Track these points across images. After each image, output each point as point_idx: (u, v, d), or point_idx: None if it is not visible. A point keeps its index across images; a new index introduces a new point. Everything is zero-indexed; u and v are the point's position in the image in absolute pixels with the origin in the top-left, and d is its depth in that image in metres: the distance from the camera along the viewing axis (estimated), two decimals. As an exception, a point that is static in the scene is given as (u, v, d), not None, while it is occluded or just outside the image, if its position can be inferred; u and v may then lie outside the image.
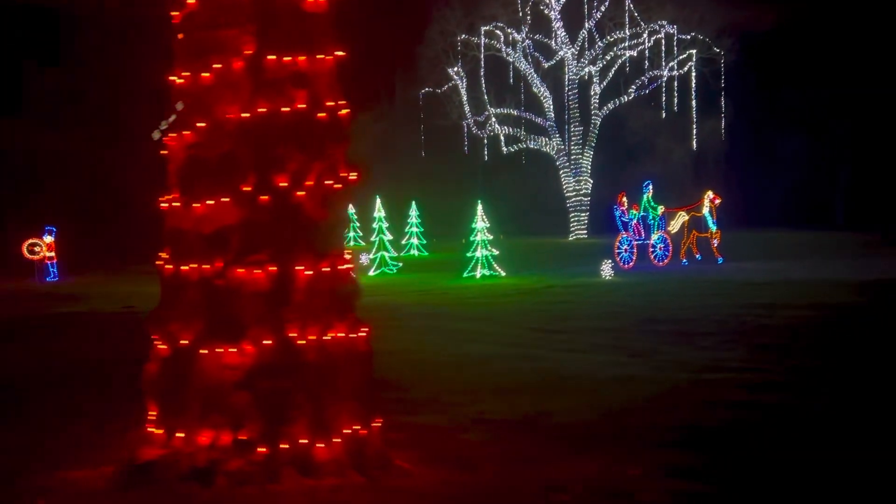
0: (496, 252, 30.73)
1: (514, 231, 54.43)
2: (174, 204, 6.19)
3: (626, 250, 32.96)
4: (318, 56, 6.11)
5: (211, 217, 6.02)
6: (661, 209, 34.22)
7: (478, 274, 29.56)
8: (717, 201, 35.20)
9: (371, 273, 32.49)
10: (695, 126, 48.27)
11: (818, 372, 11.30)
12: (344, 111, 6.26)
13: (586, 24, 48.54)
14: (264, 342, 5.91)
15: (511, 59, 49.42)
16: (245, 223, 5.96)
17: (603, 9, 47.86)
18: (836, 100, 49.53)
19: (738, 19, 47.29)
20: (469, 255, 30.04)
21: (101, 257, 41.40)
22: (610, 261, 29.96)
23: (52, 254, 34.12)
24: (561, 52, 48.90)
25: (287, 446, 5.87)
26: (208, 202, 6.00)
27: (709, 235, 34.72)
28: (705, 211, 34.91)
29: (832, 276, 26.34)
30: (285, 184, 6.00)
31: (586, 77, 49.75)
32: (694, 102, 47.75)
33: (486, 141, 50.98)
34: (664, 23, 46.47)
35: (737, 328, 16.26)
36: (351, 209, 47.90)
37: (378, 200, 35.89)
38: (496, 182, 56.28)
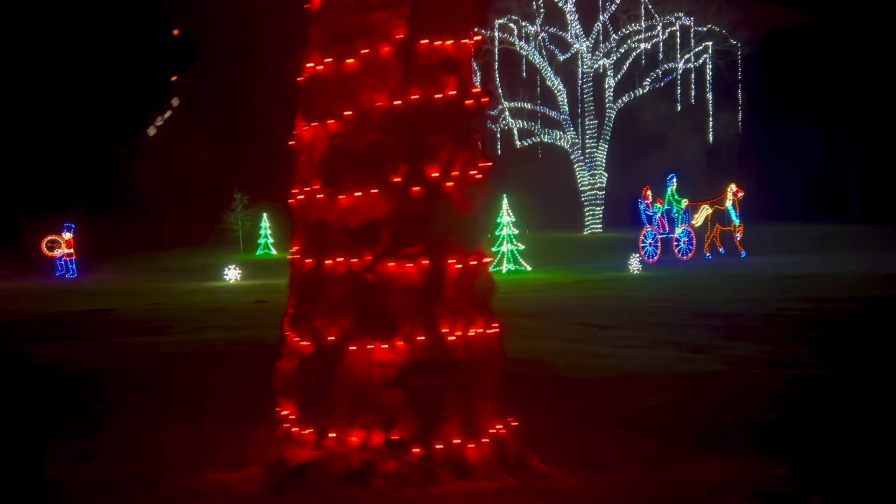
0: (521, 247, 30.57)
1: (529, 225, 53.95)
2: (318, 196, 5.94)
3: (650, 244, 32.81)
4: (462, 40, 5.88)
5: (357, 209, 5.78)
6: (685, 202, 34.06)
7: (504, 269, 29.40)
8: (741, 194, 35.09)
9: (392, 268, 32.39)
10: (710, 119, 48.08)
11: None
12: (484, 98, 6.03)
13: (601, 17, 48.29)
14: (417, 338, 5.67)
15: (525, 53, 49.17)
16: (395, 215, 5.72)
17: (618, 1, 47.62)
18: (850, 92, 49.40)
19: (753, 11, 47.12)
20: (494, 249, 29.86)
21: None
22: (637, 255, 29.84)
23: (71, 250, 33.91)
24: (576, 46, 48.65)
25: (442, 447, 5.65)
26: (355, 194, 5.76)
27: (732, 229, 34.61)
28: (728, 204, 34.79)
29: (860, 270, 26.35)
30: (437, 174, 5.76)
31: (601, 70, 49.52)
32: (710, 95, 47.56)
33: (499, 135, 50.75)
34: (680, 14, 46.25)
35: (786, 322, 16.18)
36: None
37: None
38: (508, 176, 56.03)
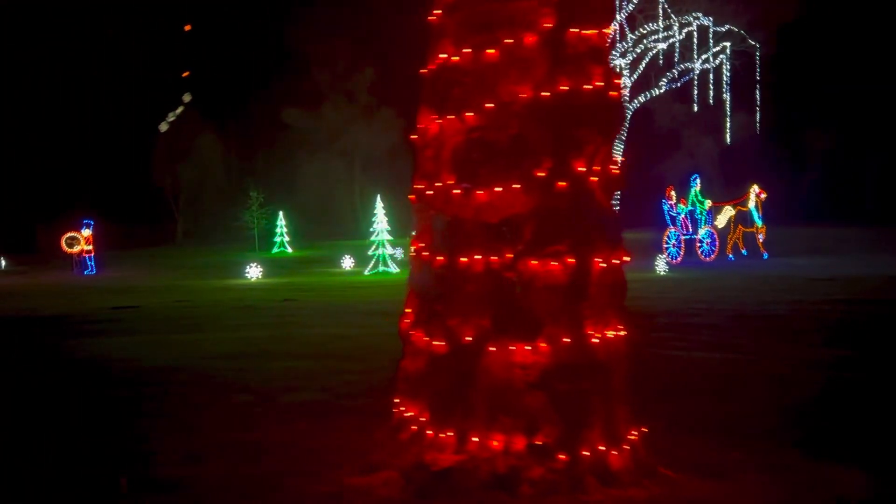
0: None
1: None
2: (453, 191, 5.71)
3: (674, 245, 32.62)
4: (604, 30, 5.66)
5: (496, 205, 5.55)
6: (708, 203, 33.89)
7: (529, 268, 29.26)
8: (763, 196, 34.92)
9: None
10: (728, 119, 47.88)
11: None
12: (623, 90, 5.81)
13: (617, 17, 48.04)
14: (563, 340, 5.45)
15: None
16: (538, 211, 5.48)
17: (635, 1, 47.39)
18: (866, 93, 49.24)
19: (770, 12, 46.91)
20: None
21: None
22: (663, 256, 29.68)
23: (90, 247, 33.68)
24: (593, 45, 48.42)
25: (588, 453, 5.42)
26: (496, 189, 5.53)
27: (754, 230, 34.44)
28: (751, 205, 34.63)
29: (888, 272, 26.19)
30: (583, 168, 5.53)
31: (617, 70, 49.33)
32: (727, 95, 47.34)
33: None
34: (698, 15, 46.01)
35: (833, 325, 16.00)
36: (379, 203, 47.48)
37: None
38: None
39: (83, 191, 44.60)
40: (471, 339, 5.60)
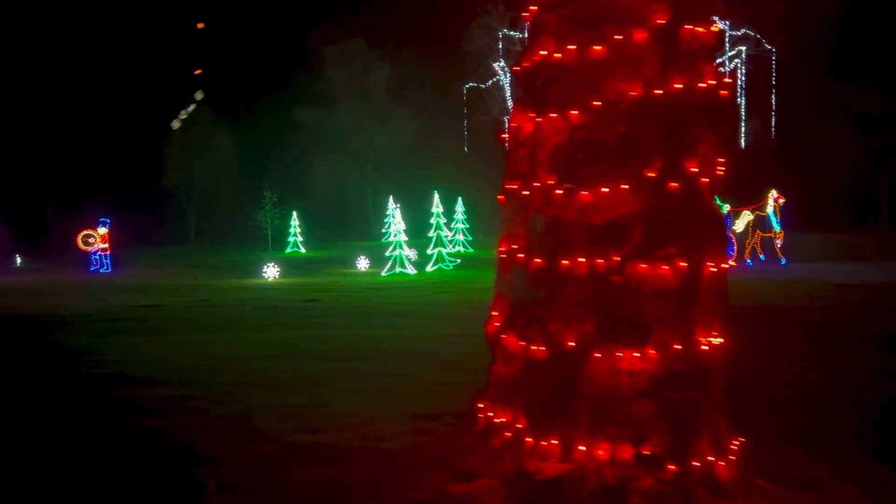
0: (566, 249, 30.17)
1: None
2: (555, 192, 5.52)
3: (692, 249, 32.44)
4: (712, 27, 5.48)
5: (601, 206, 5.37)
6: (727, 208, 33.68)
7: (548, 271, 29.06)
8: (781, 201, 34.74)
9: (428, 269, 31.89)
10: (742, 124, 47.73)
11: None
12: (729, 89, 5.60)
13: (633, 20, 47.99)
14: (674, 347, 5.26)
15: (555, 54, 48.85)
16: (647, 212, 5.30)
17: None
18: (882, 97, 49.01)
19: (787, 16, 46.73)
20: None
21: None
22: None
23: (106, 245, 33.49)
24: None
25: (698, 464, 5.24)
26: (602, 189, 5.34)
27: (772, 235, 34.25)
28: (769, 210, 34.44)
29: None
30: (695, 169, 5.36)
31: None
32: (742, 100, 47.20)
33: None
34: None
35: (878, 332, 15.75)
36: (391, 204, 47.32)
37: (436, 196, 35.19)
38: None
39: (96, 188, 44.43)
40: (574, 344, 5.41)
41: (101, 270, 33.36)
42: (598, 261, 5.38)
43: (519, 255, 5.79)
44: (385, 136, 51.77)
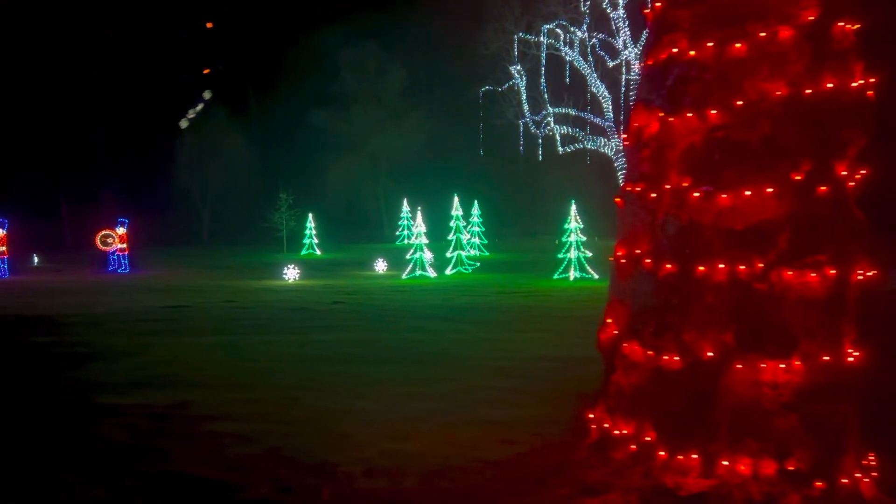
0: (589, 254, 29.93)
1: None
2: (693, 194, 5.30)
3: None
4: (855, 24, 5.26)
5: (742, 210, 5.14)
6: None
7: (571, 276, 28.74)
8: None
9: (447, 272, 31.67)
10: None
11: None
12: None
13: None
14: (822, 358, 5.04)
15: (569, 59, 48.59)
16: (794, 217, 5.07)
17: (668, 8, 47.14)
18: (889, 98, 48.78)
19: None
20: (561, 256, 29.25)
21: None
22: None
23: (124, 245, 33.27)
24: (625, 53, 48.09)
25: (847, 481, 5.02)
26: (745, 193, 5.12)
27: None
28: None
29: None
30: (844, 172, 5.14)
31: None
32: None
33: (540, 140, 50.14)
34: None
35: None
36: (405, 208, 47.10)
37: (455, 199, 34.97)
38: (542, 182, 55.50)
39: (110, 186, 44.30)
40: (712, 354, 5.18)
41: (118, 270, 33.14)
42: (740, 267, 5.15)
43: (646, 261, 5.55)
44: (399, 139, 51.62)
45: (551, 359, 12.43)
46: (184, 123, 56.91)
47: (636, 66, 48.80)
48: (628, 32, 48.05)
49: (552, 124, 48.90)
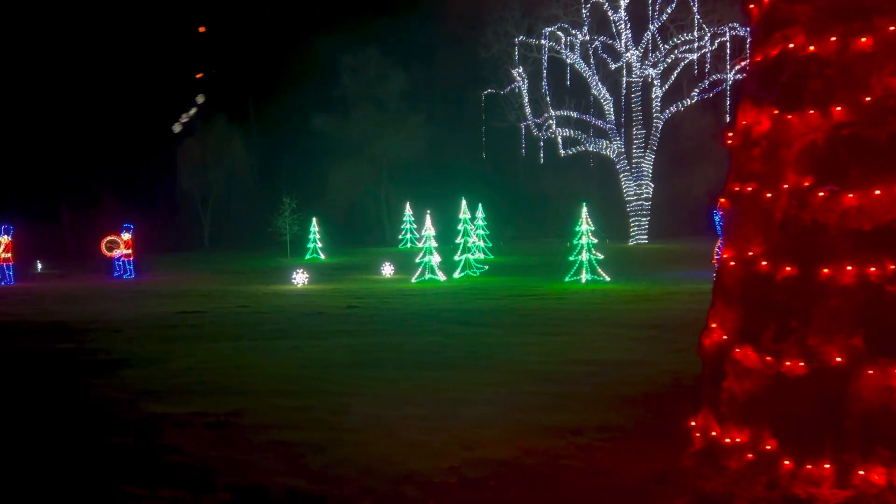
0: (601, 256, 29.77)
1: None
2: (818, 194, 5.12)
3: (724, 257, 32.11)
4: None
5: (870, 210, 4.96)
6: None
7: (583, 278, 28.56)
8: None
9: (456, 276, 31.46)
10: (761, 132, 47.59)
11: None
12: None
13: (651, 27, 47.82)
14: (959, 363, 4.87)
15: (570, 62, 48.57)
16: (925, 218, 4.91)
17: (669, 10, 47.14)
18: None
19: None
20: (572, 258, 29.07)
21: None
22: (722, 267, 29.13)
23: (130, 251, 32.92)
24: (627, 55, 48.10)
25: None
26: (874, 192, 4.94)
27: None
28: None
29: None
30: (981, 171, 4.97)
31: (649, 79, 49.02)
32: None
33: (541, 143, 50.07)
34: (736, 25, 45.74)
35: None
36: (408, 211, 46.86)
37: (463, 202, 34.77)
38: (541, 185, 55.42)
39: (110, 190, 43.88)
40: (841, 360, 5.00)
41: (124, 276, 32.78)
42: (870, 269, 4.97)
43: (761, 263, 5.37)
44: (400, 143, 51.42)
45: (584, 362, 12.27)
46: (177, 128, 56.56)
47: (637, 69, 48.82)
48: (630, 35, 48.06)
49: (554, 127, 48.86)
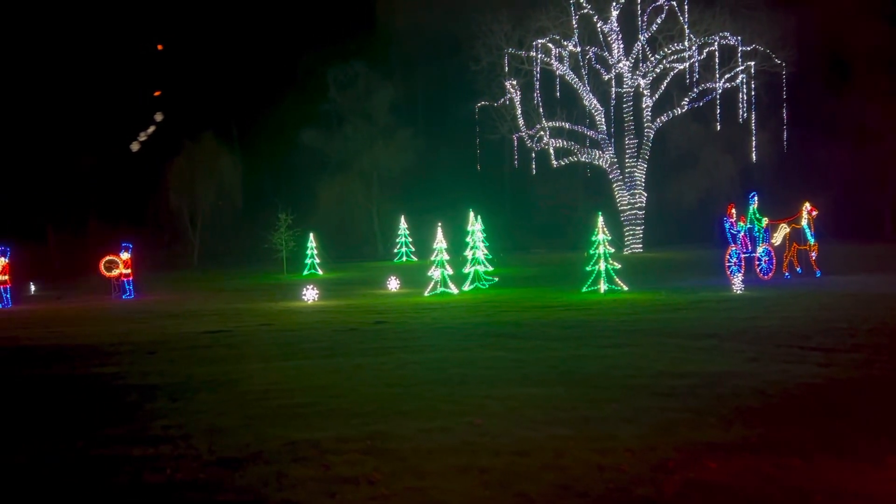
0: (618, 266, 29.49)
1: (554, 245, 53.20)
2: None
3: (735, 263, 32.10)
4: None
5: None
6: (765, 221, 33.52)
7: (602, 288, 28.20)
8: (815, 213, 34.73)
9: (465, 288, 30.90)
10: (753, 138, 47.94)
11: None
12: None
13: (641, 38, 48.01)
14: None
15: (560, 73, 48.56)
16: None
17: (658, 21, 47.40)
18: (884, 110, 49.77)
19: (790, 31, 47.24)
20: (589, 268, 28.71)
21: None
22: (739, 274, 29.01)
23: (129, 271, 31.98)
24: (618, 66, 48.20)
25: None
26: None
27: (807, 248, 34.13)
28: (804, 223, 34.37)
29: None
30: None
31: (640, 89, 49.20)
32: (754, 114, 47.43)
33: (533, 154, 49.94)
34: (727, 34, 46.11)
35: None
36: (402, 225, 46.31)
37: (471, 214, 34.31)
38: (529, 195, 55.27)
39: (96, 211, 42.73)
40: None
41: (123, 296, 31.76)
42: None
43: None
44: (391, 156, 50.96)
45: (675, 375, 11.72)
46: (135, 146, 55.44)
47: (628, 79, 48.93)
48: (621, 46, 48.20)
49: (546, 138, 48.73)
